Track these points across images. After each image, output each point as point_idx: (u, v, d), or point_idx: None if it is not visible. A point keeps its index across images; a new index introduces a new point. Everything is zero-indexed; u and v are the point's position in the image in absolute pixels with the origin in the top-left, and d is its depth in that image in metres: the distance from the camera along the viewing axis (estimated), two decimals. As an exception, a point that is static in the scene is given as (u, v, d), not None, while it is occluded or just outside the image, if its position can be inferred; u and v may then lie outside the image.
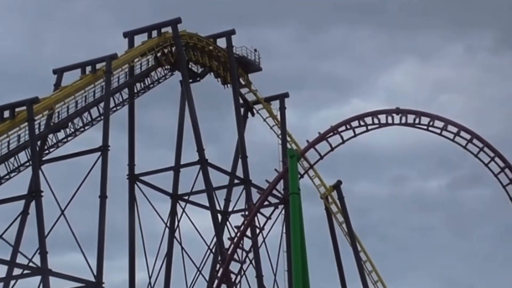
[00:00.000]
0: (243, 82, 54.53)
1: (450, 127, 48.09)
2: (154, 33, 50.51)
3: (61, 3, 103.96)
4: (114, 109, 47.73)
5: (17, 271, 42.46)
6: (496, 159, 47.58)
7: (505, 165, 47.33)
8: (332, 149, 48.11)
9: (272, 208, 48.21)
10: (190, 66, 52.05)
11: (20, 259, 42.48)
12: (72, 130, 46.32)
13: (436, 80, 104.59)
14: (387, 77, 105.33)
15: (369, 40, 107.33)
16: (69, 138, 46.31)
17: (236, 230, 46.58)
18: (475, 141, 47.73)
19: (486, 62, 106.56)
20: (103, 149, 45.04)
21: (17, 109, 43.98)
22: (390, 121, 48.69)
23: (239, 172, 51.62)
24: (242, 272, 46.75)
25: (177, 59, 50.30)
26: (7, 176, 43.37)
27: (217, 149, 55.68)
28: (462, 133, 48.00)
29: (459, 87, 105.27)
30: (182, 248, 49.19)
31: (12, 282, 42.72)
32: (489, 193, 54.55)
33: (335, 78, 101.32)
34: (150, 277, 48.35)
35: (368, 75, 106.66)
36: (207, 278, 48.45)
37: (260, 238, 47.97)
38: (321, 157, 48.38)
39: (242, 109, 54.01)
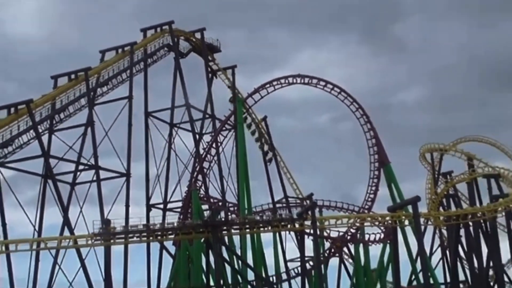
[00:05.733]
0: (210, 58, 53.86)
1: (328, 85, 49.84)
2: (159, 29, 50.67)
3: (105, 9, 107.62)
4: (135, 74, 48.18)
5: (80, 167, 43.63)
6: (354, 103, 49.63)
7: (358, 106, 49.57)
8: (262, 97, 50.04)
9: (227, 131, 49.21)
10: (179, 48, 51.83)
11: (82, 160, 43.36)
12: (111, 86, 46.93)
13: (324, 60, 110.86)
14: (297, 59, 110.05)
15: (287, 37, 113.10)
16: (109, 91, 46.99)
17: (207, 144, 48.12)
18: (342, 93, 49.72)
19: (354, 49, 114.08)
20: (129, 97, 46.20)
21: (78, 74, 44.83)
22: (295, 81, 50.06)
23: (209, 111, 51.87)
24: (211, 168, 47.82)
25: (173, 45, 50.45)
26: (74, 113, 44.40)
27: (196, 98, 55.19)
28: (335, 88, 49.76)
29: (338, 64, 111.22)
30: (176, 154, 49.12)
31: (78, 173, 43.79)
32: (352, 124, 57.75)
33: (266, 58, 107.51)
34: (157, 170, 48.40)
35: (285, 57, 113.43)
36: (190, 172, 48.62)
37: (220, 149, 48.68)
38: (255, 102, 50.33)
39: (210, 74, 53.22)
